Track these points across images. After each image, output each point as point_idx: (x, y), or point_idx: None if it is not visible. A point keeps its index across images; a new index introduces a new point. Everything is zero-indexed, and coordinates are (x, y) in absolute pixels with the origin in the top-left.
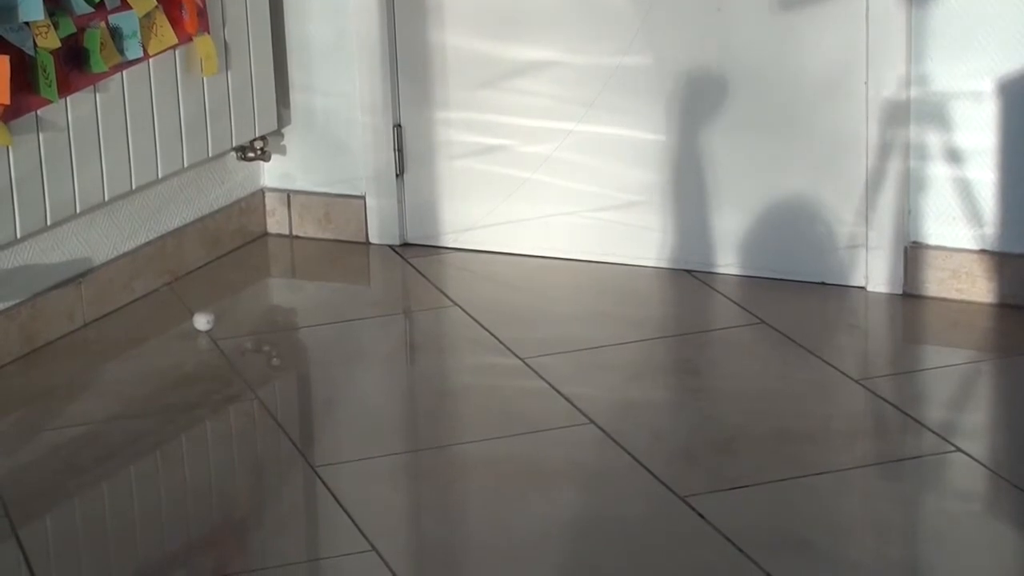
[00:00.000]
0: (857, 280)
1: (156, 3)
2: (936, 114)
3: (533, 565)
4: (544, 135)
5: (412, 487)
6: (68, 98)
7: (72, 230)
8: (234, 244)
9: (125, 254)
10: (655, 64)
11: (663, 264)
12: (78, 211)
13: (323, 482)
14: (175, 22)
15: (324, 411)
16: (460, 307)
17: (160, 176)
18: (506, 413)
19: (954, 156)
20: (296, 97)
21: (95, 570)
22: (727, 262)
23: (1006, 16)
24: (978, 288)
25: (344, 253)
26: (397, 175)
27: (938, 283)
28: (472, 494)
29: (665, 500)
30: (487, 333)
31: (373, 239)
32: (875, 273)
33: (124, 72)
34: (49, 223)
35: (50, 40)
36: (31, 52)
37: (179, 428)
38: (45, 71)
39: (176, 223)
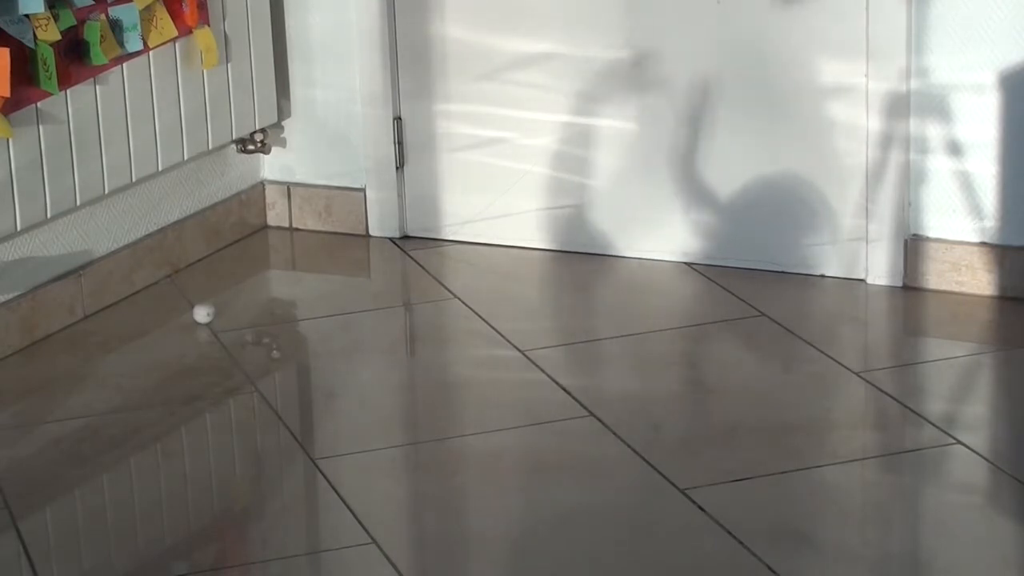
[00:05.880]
0: (857, 273)
1: None
2: (937, 106)
3: (533, 557)
4: (544, 127)
5: (412, 479)
6: (68, 90)
7: (72, 222)
8: (234, 236)
9: (125, 246)
10: (655, 57)
11: (663, 257)
12: (78, 203)
13: (323, 474)
14: (175, 15)
15: (324, 403)
16: (460, 299)
17: (160, 168)
18: (506, 405)
19: (954, 148)
20: (296, 89)
21: (95, 562)
22: (727, 255)
23: (1006, 8)
24: (978, 281)
25: (344, 245)
26: (397, 168)
27: (938, 276)
28: (472, 486)
29: (665, 492)
30: (487, 325)
31: (373, 231)
32: (875, 266)
33: (124, 65)
34: (49, 215)
35: (50, 32)
36: (31, 44)
37: (179, 420)
38: (45, 63)
39: (176, 215)
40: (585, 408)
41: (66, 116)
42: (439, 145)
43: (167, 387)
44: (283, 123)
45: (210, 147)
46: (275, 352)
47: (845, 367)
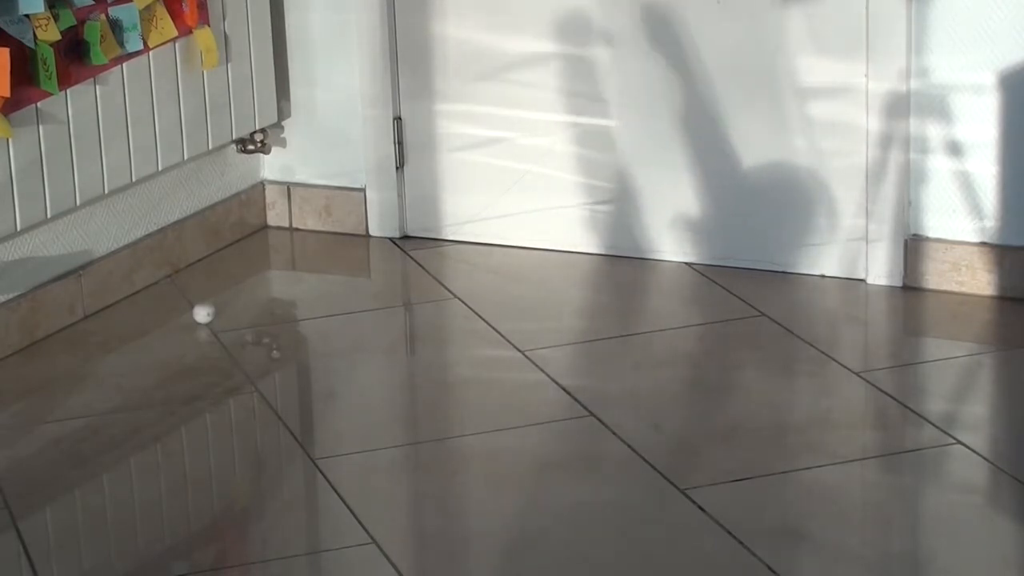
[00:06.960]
0: (857, 273)
1: None
2: (936, 106)
3: (533, 557)
4: (544, 127)
5: (412, 479)
6: (68, 91)
7: (72, 222)
8: (234, 236)
9: (125, 246)
10: (655, 57)
11: (663, 257)
12: (78, 203)
13: (323, 474)
14: (175, 15)
15: (324, 403)
16: (460, 299)
17: (160, 168)
18: (506, 405)
19: (954, 148)
20: (296, 90)
21: (95, 562)
22: (727, 255)
23: (1006, 8)
24: (978, 281)
25: (344, 246)
26: (397, 168)
27: (938, 275)
28: (472, 486)
29: (665, 492)
30: (487, 325)
31: (373, 231)
32: (875, 266)
33: (124, 65)
34: (49, 215)
35: (50, 32)
36: (31, 44)
37: (179, 420)
38: (45, 63)
39: (176, 215)
40: (585, 408)
41: (66, 116)
42: (439, 145)
43: (167, 387)
44: (283, 123)
45: (210, 147)
46: (275, 352)
47: (845, 367)
